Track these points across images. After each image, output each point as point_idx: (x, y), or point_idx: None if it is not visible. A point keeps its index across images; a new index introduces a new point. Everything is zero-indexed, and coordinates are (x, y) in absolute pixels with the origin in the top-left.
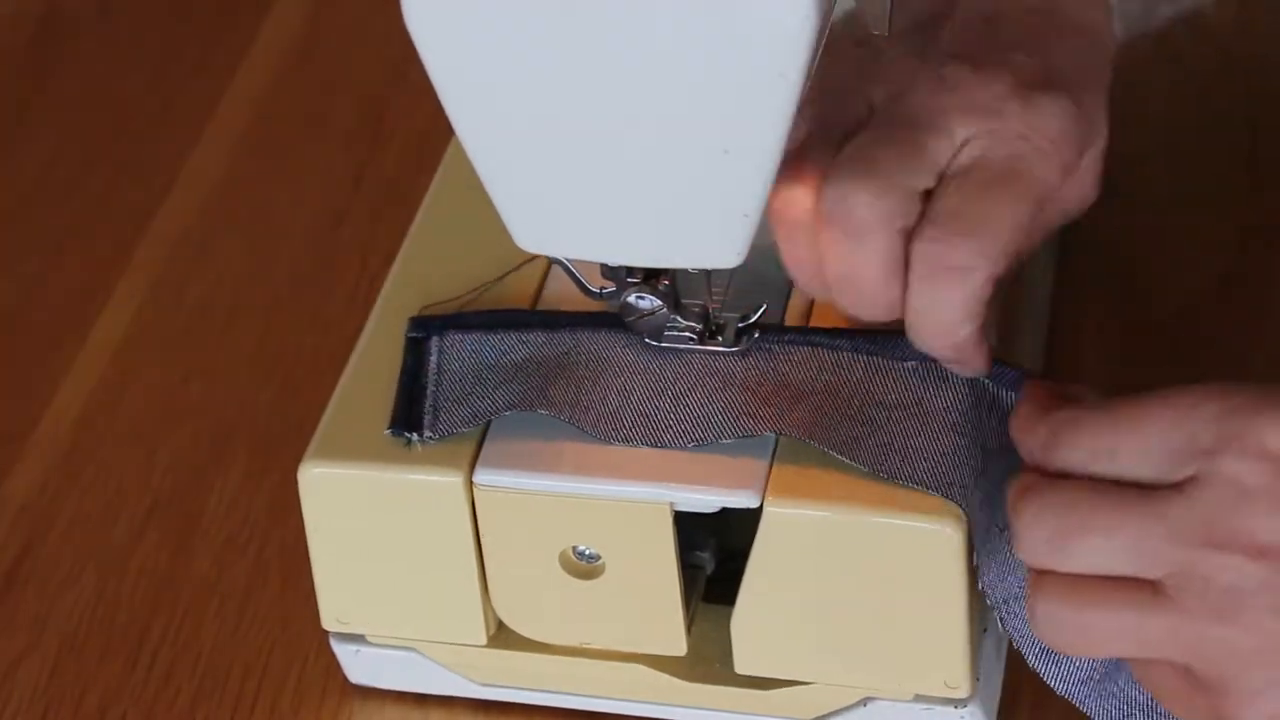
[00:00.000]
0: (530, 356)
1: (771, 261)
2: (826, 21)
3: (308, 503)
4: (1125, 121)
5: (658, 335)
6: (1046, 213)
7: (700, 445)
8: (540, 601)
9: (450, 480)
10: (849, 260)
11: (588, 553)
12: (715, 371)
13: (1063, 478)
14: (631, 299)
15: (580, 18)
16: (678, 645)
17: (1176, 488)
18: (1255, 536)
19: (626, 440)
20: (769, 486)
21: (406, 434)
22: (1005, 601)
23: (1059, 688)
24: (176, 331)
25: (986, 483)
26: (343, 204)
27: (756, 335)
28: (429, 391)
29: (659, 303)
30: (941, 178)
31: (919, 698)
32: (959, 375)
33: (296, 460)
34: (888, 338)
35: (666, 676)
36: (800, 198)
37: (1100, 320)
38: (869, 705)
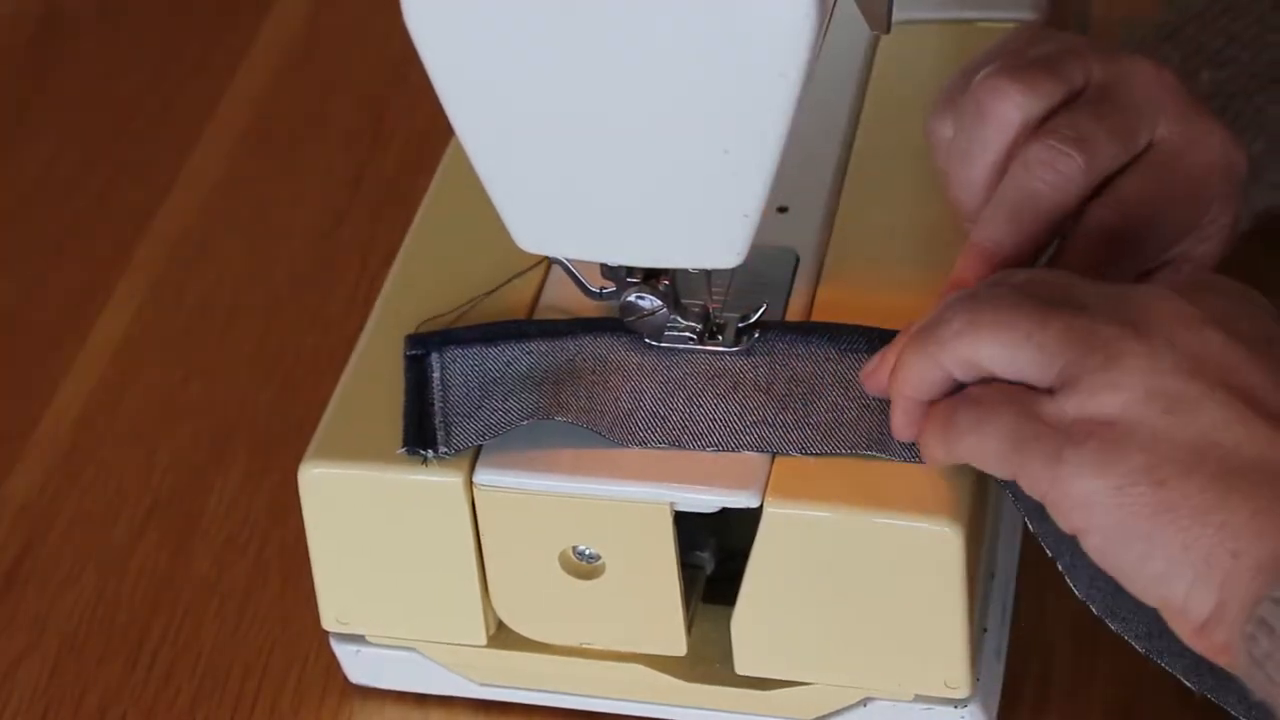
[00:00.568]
0: (535, 366)
1: (771, 261)
2: (827, 21)
3: (308, 503)
4: None
5: (658, 335)
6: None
7: (719, 450)
8: (540, 601)
9: (450, 480)
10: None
11: (588, 553)
12: (724, 372)
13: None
14: (631, 299)
15: (580, 17)
16: (678, 645)
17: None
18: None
19: (643, 443)
20: (769, 486)
21: (422, 451)
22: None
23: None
24: (176, 331)
25: None
26: (343, 204)
27: (757, 335)
28: (437, 407)
29: (659, 303)
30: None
31: (919, 698)
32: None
33: (296, 460)
34: (889, 332)
35: (666, 676)
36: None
37: None
38: (869, 705)
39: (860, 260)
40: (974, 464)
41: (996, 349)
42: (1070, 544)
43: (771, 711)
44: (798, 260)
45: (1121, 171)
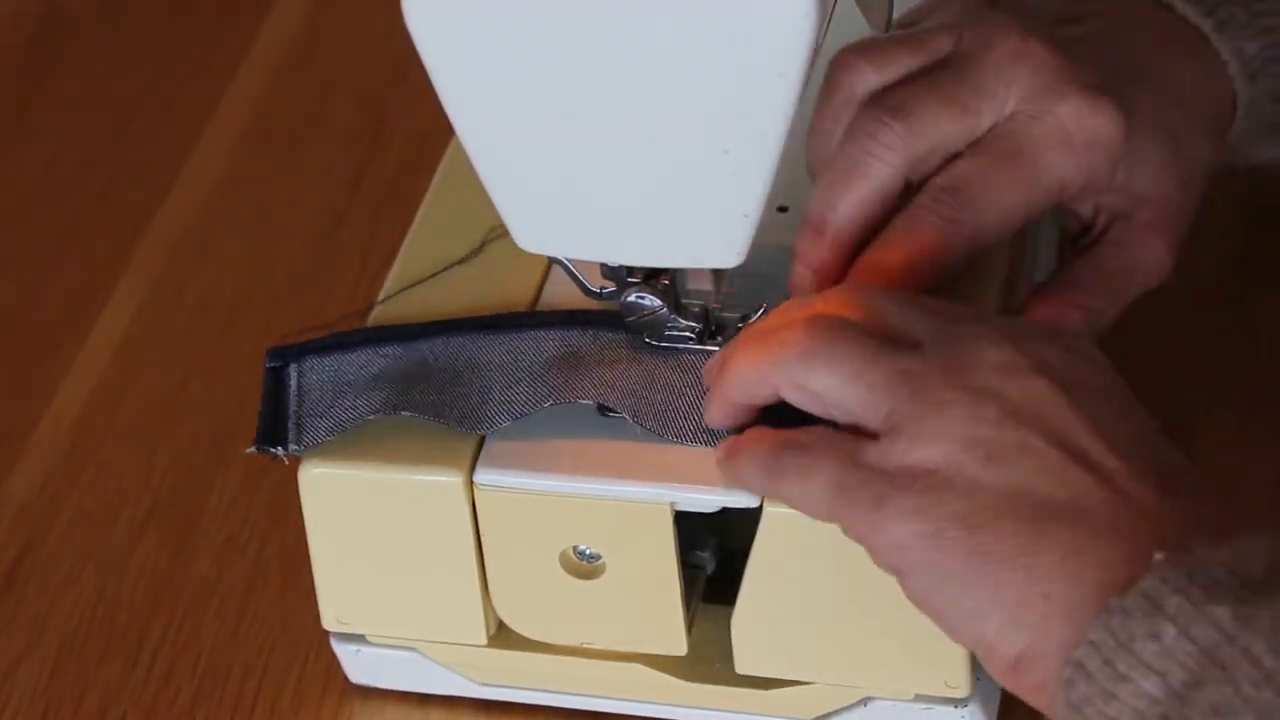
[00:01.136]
0: (389, 368)
1: (771, 261)
2: (826, 21)
3: (308, 503)
4: None
5: (658, 335)
6: (1125, 275)
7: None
8: (540, 601)
9: (450, 480)
10: (853, 161)
11: (588, 552)
12: (565, 348)
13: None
14: (632, 299)
15: (580, 17)
16: (678, 645)
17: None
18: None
19: (491, 427)
20: None
21: (272, 449)
22: None
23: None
24: (176, 331)
25: None
26: (343, 204)
27: None
28: (291, 410)
29: (659, 302)
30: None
31: (919, 698)
32: None
33: (297, 460)
34: None
35: (666, 676)
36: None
37: None
38: (869, 705)
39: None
40: (795, 508)
41: (828, 381)
42: None
43: (771, 711)
44: None
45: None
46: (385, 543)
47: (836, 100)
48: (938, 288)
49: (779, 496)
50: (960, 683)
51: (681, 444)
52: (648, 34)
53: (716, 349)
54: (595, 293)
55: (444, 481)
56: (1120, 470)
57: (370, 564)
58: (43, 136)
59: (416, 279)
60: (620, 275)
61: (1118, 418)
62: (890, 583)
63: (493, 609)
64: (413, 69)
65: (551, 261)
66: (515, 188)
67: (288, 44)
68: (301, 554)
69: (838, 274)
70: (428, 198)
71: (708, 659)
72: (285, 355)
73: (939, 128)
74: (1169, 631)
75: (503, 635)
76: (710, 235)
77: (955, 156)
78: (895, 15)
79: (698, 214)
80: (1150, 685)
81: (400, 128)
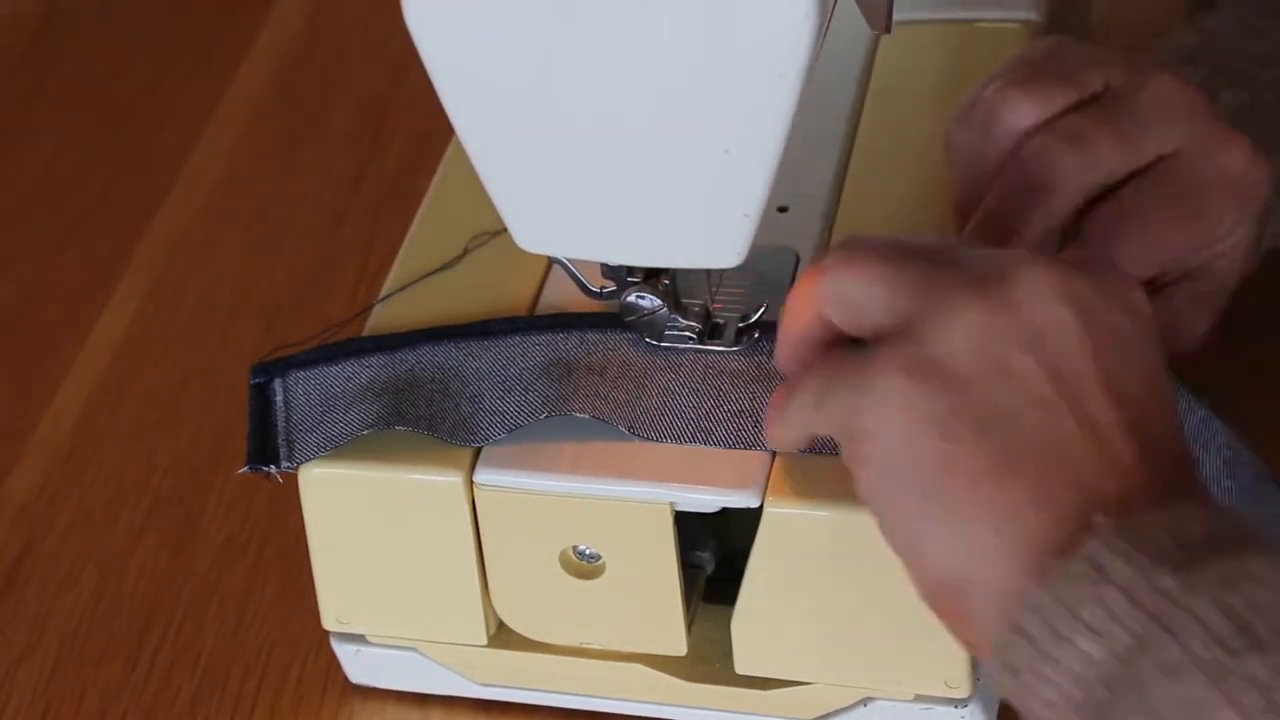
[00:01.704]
0: (375, 378)
1: (771, 261)
2: (826, 21)
3: (308, 503)
4: None
5: (658, 335)
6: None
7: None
8: (540, 601)
9: (450, 480)
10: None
11: (588, 553)
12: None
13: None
14: (632, 299)
15: (580, 18)
16: (678, 645)
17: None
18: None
19: (485, 440)
20: (769, 486)
21: (264, 467)
22: None
23: None
24: (176, 331)
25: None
26: (343, 204)
27: (757, 335)
28: (280, 427)
29: (659, 302)
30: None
31: (919, 698)
32: None
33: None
34: None
35: (666, 676)
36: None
37: None
38: (869, 705)
39: None
40: (800, 427)
41: (860, 278)
42: None
43: (771, 711)
44: (798, 260)
45: (1128, 180)
46: (385, 543)
47: (995, 135)
48: None
49: (788, 421)
50: (960, 683)
51: (680, 444)
52: (648, 34)
53: (717, 349)
54: (595, 293)
55: (444, 482)
56: (1113, 424)
57: (370, 564)
58: (43, 136)
59: (416, 279)
60: (620, 275)
61: (1130, 364)
62: (890, 583)
63: (492, 609)
64: (413, 69)
65: (551, 262)
66: (515, 188)
67: (288, 44)
68: (301, 554)
69: None
70: (428, 198)
71: (708, 659)
72: (269, 370)
73: (1115, 162)
74: (1114, 596)
75: (502, 635)
76: (710, 235)
77: (1116, 187)
78: (895, 16)
79: (698, 214)
80: (1093, 647)
81: (400, 128)
